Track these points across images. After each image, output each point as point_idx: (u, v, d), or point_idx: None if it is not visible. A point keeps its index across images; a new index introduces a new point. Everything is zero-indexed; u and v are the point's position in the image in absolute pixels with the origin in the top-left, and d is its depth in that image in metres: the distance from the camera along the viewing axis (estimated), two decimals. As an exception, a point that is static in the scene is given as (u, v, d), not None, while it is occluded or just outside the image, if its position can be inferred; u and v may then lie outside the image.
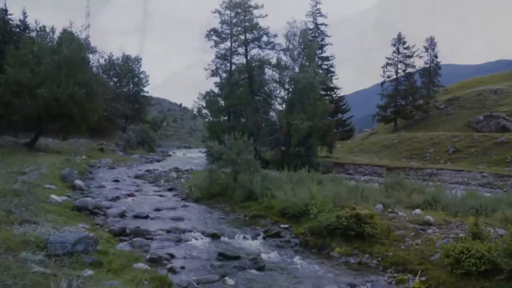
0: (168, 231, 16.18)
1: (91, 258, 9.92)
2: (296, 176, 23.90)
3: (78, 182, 25.40)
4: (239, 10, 63.46)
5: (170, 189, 27.98)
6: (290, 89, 55.17)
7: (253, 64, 62.45)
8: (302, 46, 55.06)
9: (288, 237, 16.37)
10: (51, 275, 8.32)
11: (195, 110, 72.59)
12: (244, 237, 15.87)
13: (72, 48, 43.75)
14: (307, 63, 54.41)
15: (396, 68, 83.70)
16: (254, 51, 63.48)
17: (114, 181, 30.91)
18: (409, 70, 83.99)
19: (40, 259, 9.16)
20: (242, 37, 63.80)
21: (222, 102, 64.56)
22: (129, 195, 24.35)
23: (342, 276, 12.17)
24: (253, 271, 12.19)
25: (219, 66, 65.19)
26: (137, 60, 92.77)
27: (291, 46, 55.84)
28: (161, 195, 25.46)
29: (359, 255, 13.57)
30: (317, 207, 16.00)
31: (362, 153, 66.39)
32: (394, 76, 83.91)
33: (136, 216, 18.74)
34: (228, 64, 64.74)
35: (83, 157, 44.15)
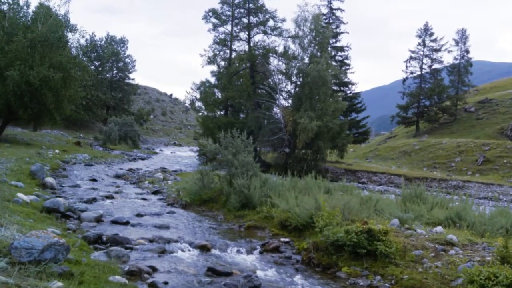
0: (151, 241, 16.10)
1: (61, 268, 9.89)
2: (300, 183, 23.85)
3: (49, 180, 25.39)
4: None
5: (155, 192, 28.02)
6: (298, 83, 54.97)
7: (257, 52, 61.99)
8: (313, 34, 54.83)
9: (289, 252, 16.28)
10: (14, 286, 8.31)
11: (188, 102, 72.63)
12: (238, 251, 15.76)
13: (49, 26, 43.66)
14: (318, 53, 54.24)
15: (421, 63, 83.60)
16: (258, 37, 63.58)
17: (91, 180, 30.99)
18: (436, 66, 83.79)
19: (2, 266, 9.14)
20: (245, 20, 63.48)
21: (219, 94, 64.35)
22: (107, 197, 24.32)
23: None
24: None
25: (217, 52, 64.88)
26: (123, 42, 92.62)
27: (301, 33, 55.57)
28: (144, 199, 25.46)
29: (369, 276, 13.52)
30: (323, 219, 15.97)
31: (378, 160, 66.31)
32: (418, 72, 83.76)
33: (115, 222, 18.74)
34: (228, 51, 64.45)
35: (57, 151, 43.93)
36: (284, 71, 57.70)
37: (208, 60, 63.84)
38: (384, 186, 46.52)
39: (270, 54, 60.81)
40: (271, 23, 62.67)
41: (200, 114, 69.39)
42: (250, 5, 62.37)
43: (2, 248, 10.09)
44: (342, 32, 74.63)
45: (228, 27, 64.19)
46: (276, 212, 19.74)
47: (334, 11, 74.07)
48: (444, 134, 73.78)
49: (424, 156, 60.90)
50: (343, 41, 76.70)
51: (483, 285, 10.85)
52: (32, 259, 9.70)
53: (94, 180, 30.98)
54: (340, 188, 23.61)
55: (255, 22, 63.06)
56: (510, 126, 67.24)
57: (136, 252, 14.60)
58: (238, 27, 63.92)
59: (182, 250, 15.28)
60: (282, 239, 17.62)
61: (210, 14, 64.05)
